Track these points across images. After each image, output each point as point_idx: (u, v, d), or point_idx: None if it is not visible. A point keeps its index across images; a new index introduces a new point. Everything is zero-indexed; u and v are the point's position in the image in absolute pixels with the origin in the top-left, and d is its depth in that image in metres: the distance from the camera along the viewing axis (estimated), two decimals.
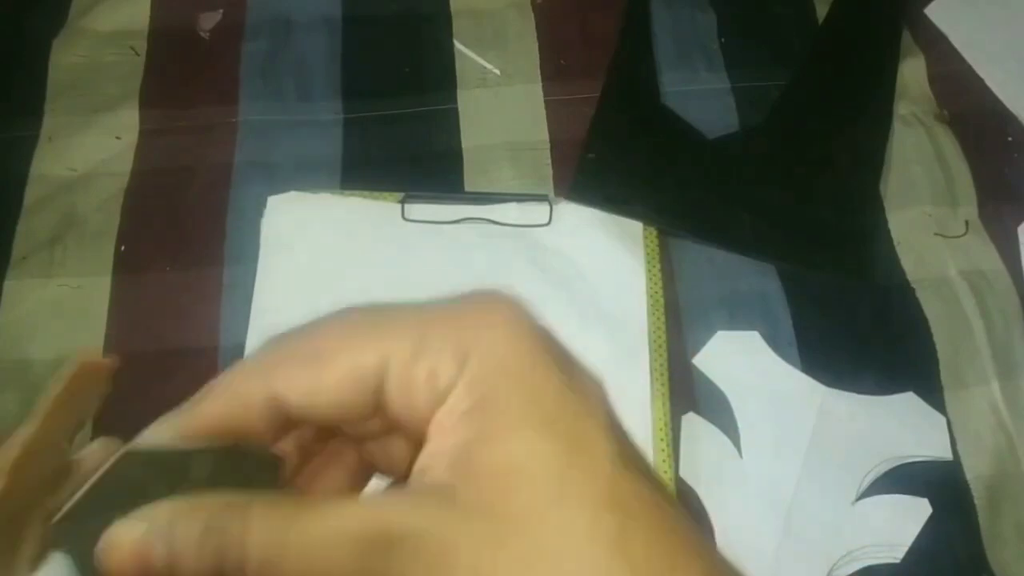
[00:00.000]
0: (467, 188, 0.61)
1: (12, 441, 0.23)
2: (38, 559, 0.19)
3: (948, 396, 0.55)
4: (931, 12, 0.70)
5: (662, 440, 0.52)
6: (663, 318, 0.56)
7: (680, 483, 0.51)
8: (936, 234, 0.60)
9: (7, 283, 0.56)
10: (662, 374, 0.54)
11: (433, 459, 0.19)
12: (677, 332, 0.56)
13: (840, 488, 0.51)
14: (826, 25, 0.69)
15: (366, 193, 0.60)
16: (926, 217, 0.61)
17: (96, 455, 0.23)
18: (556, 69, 0.66)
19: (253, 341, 0.54)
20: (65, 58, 0.65)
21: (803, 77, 0.67)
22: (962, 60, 0.68)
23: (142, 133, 0.62)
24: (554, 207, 0.59)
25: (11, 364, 0.54)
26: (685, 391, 0.54)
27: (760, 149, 0.63)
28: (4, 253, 0.57)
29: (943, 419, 0.54)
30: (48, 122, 0.62)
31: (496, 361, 0.20)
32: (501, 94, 0.65)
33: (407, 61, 0.66)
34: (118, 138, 0.62)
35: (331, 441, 0.23)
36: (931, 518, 0.51)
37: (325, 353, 0.21)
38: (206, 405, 0.21)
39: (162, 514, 0.19)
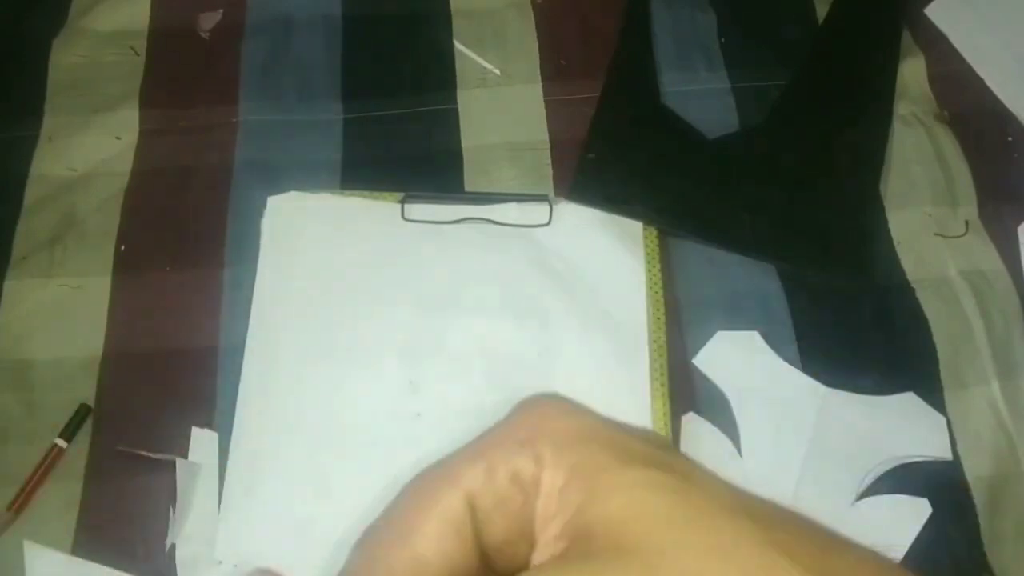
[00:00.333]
0: (467, 188, 0.61)
1: None
2: None
3: (948, 396, 0.55)
4: (931, 12, 0.70)
5: None
6: (663, 318, 0.56)
7: None
8: (936, 234, 0.60)
9: (7, 283, 0.56)
10: (662, 374, 0.54)
11: (551, 546, 0.19)
12: (677, 332, 0.56)
13: (840, 488, 0.51)
14: (826, 25, 0.69)
15: (366, 193, 0.60)
16: (926, 217, 0.61)
17: None
18: (556, 69, 0.66)
19: (253, 341, 0.54)
20: (65, 58, 0.65)
21: (803, 77, 0.67)
22: (962, 60, 0.68)
23: (142, 133, 0.62)
24: (554, 207, 0.59)
25: (11, 364, 0.54)
26: (685, 391, 0.54)
27: (760, 149, 0.63)
28: (4, 253, 0.57)
29: (943, 419, 0.54)
30: (48, 122, 0.62)
31: (565, 435, 0.19)
32: (501, 94, 0.65)
33: (407, 61, 0.66)
34: (118, 138, 0.62)
35: None
36: (931, 518, 0.51)
37: (413, 522, 0.20)
38: None
39: None
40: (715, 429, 0.53)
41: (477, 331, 0.55)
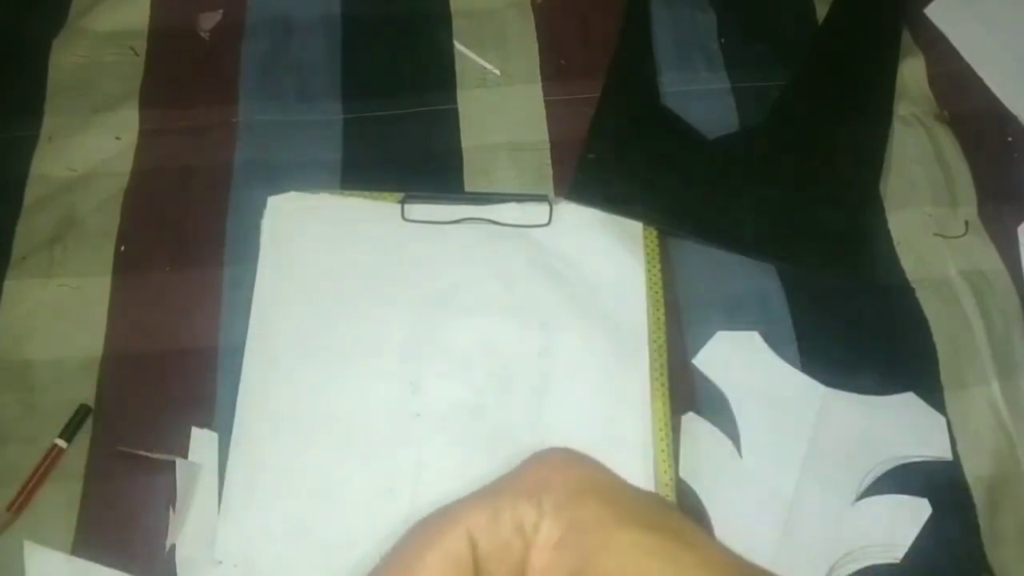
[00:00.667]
0: (467, 188, 0.61)
1: None
2: None
3: (948, 396, 0.55)
4: (931, 12, 0.70)
5: (662, 440, 0.52)
6: (663, 318, 0.56)
7: (680, 483, 0.51)
8: (936, 234, 0.60)
9: (7, 283, 0.56)
10: (662, 374, 0.54)
11: None
12: (677, 332, 0.56)
13: (840, 488, 0.51)
14: (826, 25, 0.69)
15: (366, 193, 0.60)
16: (926, 217, 0.61)
17: None
18: (556, 69, 0.66)
19: (253, 341, 0.54)
20: (65, 58, 0.65)
21: (803, 77, 0.67)
22: (962, 60, 0.68)
23: (142, 133, 0.62)
24: (554, 207, 0.59)
25: (11, 364, 0.54)
26: (685, 391, 0.54)
27: (760, 149, 0.63)
28: (4, 253, 0.57)
29: (943, 419, 0.54)
30: (48, 122, 0.62)
31: (570, 487, 0.20)
32: (501, 94, 0.65)
33: (407, 61, 0.66)
34: (118, 138, 0.62)
35: None
36: (931, 518, 0.51)
37: (416, 556, 0.20)
38: None
39: None
40: (715, 429, 0.53)
41: (477, 331, 0.55)
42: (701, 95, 0.66)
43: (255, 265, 0.57)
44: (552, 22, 0.68)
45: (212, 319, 0.55)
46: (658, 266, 0.57)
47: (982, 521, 0.51)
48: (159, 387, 0.53)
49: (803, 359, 0.56)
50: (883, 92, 0.66)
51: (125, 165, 0.61)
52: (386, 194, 0.59)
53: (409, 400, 0.53)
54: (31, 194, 0.59)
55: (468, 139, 0.63)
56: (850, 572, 0.49)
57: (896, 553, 0.50)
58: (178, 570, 0.48)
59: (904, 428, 0.54)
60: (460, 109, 0.64)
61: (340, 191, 0.60)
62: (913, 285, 0.58)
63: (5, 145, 0.61)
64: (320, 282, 0.56)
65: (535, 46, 0.67)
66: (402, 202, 0.59)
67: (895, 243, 0.60)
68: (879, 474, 0.52)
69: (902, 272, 0.59)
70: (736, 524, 0.50)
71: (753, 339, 0.56)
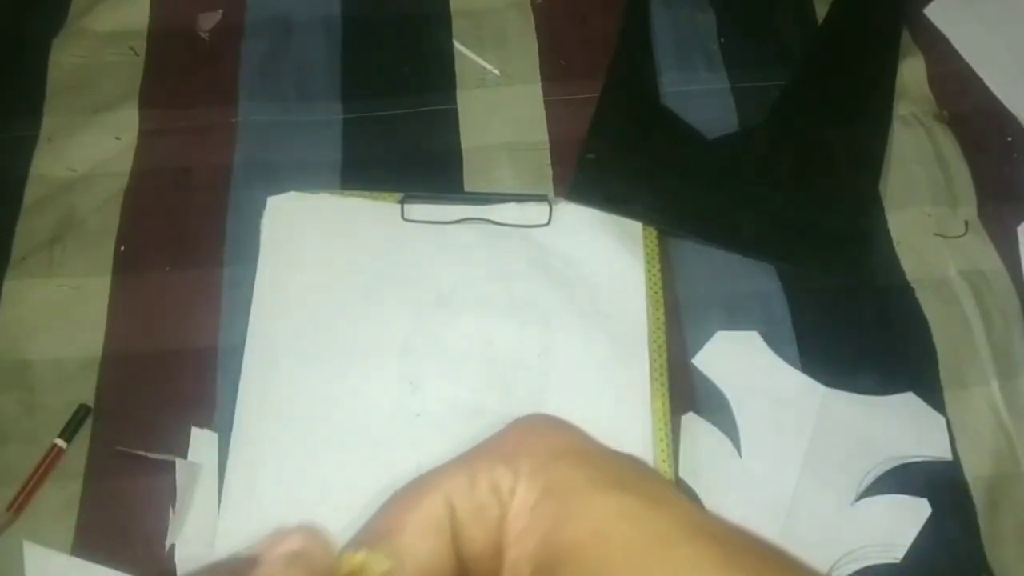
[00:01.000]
0: (467, 188, 0.61)
1: None
2: None
3: (948, 396, 0.55)
4: (931, 12, 0.70)
5: (662, 440, 0.52)
6: (663, 318, 0.56)
7: (680, 483, 0.51)
8: (936, 234, 0.60)
9: (7, 283, 0.56)
10: (662, 374, 0.54)
11: (519, 564, 0.19)
12: (677, 332, 0.56)
13: (840, 488, 0.51)
14: (826, 25, 0.69)
15: (366, 193, 0.60)
16: (926, 217, 0.61)
17: None
18: (556, 69, 0.66)
19: (253, 341, 0.54)
20: (65, 58, 0.65)
21: (803, 77, 0.67)
22: (961, 60, 0.68)
23: (141, 133, 0.62)
24: (554, 207, 0.59)
25: (11, 364, 0.54)
26: (685, 391, 0.54)
27: (760, 149, 0.63)
28: (4, 253, 0.57)
29: (943, 419, 0.54)
30: (48, 122, 0.62)
31: (546, 451, 0.20)
32: (501, 94, 0.65)
33: (407, 61, 0.66)
34: (118, 138, 0.62)
35: None
36: (931, 518, 0.51)
37: (396, 520, 0.21)
38: None
39: None
40: (715, 429, 0.53)
41: (477, 331, 0.55)
42: (701, 95, 0.66)
43: (255, 265, 0.57)
44: (552, 22, 0.68)
45: (212, 319, 0.55)
46: (658, 266, 0.57)
47: (982, 521, 0.51)
48: (159, 387, 0.53)
49: (803, 359, 0.55)
50: (883, 92, 0.66)
51: (125, 165, 0.61)
52: (386, 194, 0.59)
53: (409, 400, 0.53)
54: (31, 194, 0.59)
55: (468, 139, 0.63)
56: (850, 572, 0.49)
57: (896, 553, 0.50)
58: (178, 570, 0.48)
59: (904, 428, 0.54)
60: (460, 109, 0.64)
61: (340, 191, 0.60)
62: (913, 285, 0.58)
63: (5, 145, 0.61)
64: (320, 282, 0.56)
65: (535, 46, 0.67)
66: (402, 202, 0.59)
67: (895, 243, 0.60)
68: (879, 474, 0.52)
69: (902, 272, 0.59)
70: (735, 524, 0.50)
71: (753, 339, 0.56)
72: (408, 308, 0.56)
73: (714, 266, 0.59)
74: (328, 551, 0.20)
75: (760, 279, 0.58)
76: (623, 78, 0.66)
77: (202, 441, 0.51)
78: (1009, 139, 0.65)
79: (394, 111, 0.64)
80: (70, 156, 0.61)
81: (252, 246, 0.57)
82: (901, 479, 0.52)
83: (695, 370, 0.55)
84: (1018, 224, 0.61)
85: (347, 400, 0.53)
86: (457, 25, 0.68)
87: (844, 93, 0.66)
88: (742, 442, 0.53)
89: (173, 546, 0.49)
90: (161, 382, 0.53)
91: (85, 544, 0.49)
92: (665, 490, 0.20)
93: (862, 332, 0.57)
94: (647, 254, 0.58)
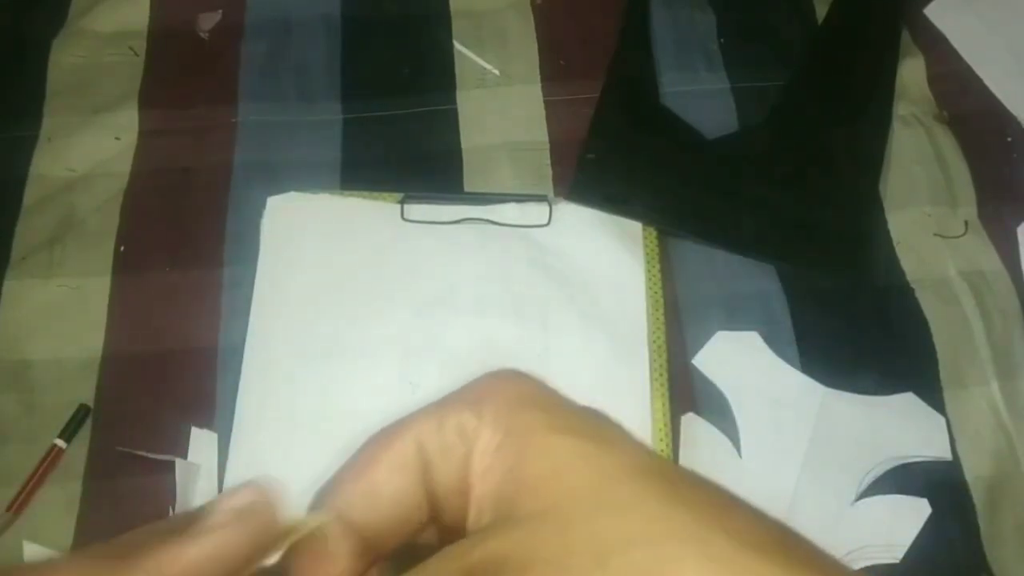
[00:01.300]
0: (467, 188, 0.61)
1: None
2: None
3: (948, 396, 0.55)
4: (931, 12, 0.70)
5: (662, 440, 0.52)
6: (663, 318, 0.56)
7: None
8: (936, 234, 0.60)
9: (7, 283, 0.56)
10: (662, 374, 0.54)
11: (483, 500, 0.21)
12: (677, 332, 0.56)
13: (840, 488, 0.51)
14: (826, 25, 0.69)
15: (366, 193, 0.60)
16: (926, 217, 0.61)
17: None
18: (556, 69, 0.66)
19: (253, 341, 0.54)
20: (65, 58, 0.65)
21: (803, 77, 0.67)
22: (961, 60, 0.68)
23: (141, 133, 0.62)
24: (554, 207, 0.59)
25: (10, 364, 0.54)
26: (685, 391, 0.54)
27: (760, 149, 0.63)
28: (4, 253, 0.57)
29: (943, 419, 0.54)
30: (48, 122, 0.62)
31: (509, 398, 0.22)
32: (501, 94, 0.65)
33: (407, 61, 0.66)
34: (117, 138, 0.62)
35: None
36: (931, 518, 0.51)
37: (369, 461, 0.23)
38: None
39: None
40: (715, 429, 0.53)
41: (476, 331, 0.55)
42: (701, 95, 0.66)
43: (255, 265, 0.57)
44: (552, 22, 0.68)
45: (212, 319, 0.55)
46: (658, 266, 0.57)
47: (982, 521, 0.51)
48: (159, 387, 0.53)
49: (803, 359, 0.55)
50: (883, 92, 0.66)
51: (125, 165, 0.61)
52: (386, 194, 0.59)
53: (408, 400, 0.53)
54: (31, 194, 0.59)
55: (467, 139, 0.63)
56: None
57: (896, 553, 0.50)
58: None
59: (904, 428, 0.54)
60: (460, 109, 0.64)
61: (340, 191, 0.60)
62: (913, 285, 0.58)
63: (5, 145, 0.61)
64: (320, 282, 0.56)
65: (535, 46, 0.67)
66: (402, 202, 0.59)
67: (895, 243, 0.60)
68: (879, 474, 0.52)
69: (902, 272, 0.59)
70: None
71: (753, 339, 0.56)
72: (408, 308, 0.55)
73: (714, 266, 0.59)
74: (276, 505, 0.21)
75: (760, 279, 0.58)
76: (623, 78, 0.66)
77: (202, 441, 0.51)
78: (1009, 139, 0.65)
79: (394, 111, 0.64)
80: (70, 156, 0.61)
81: (252, 246, 0.57)
82: (901, 479, 0.52)
83: (695, 370, 0.55)
84: (1018, 224, 0.61)
85: (347, 400, 0.53)
86: (457, 25, 0.68)
87: (844, 93, 0.66)
88: (742, 442, 0.53)
89: None
90: (161, 382, 0.53)
91: (85, 544, 0.49)
92: (621, 435, 0.21)
93: (862, 332, 0.57)
94: (647, 254, 0.58)
